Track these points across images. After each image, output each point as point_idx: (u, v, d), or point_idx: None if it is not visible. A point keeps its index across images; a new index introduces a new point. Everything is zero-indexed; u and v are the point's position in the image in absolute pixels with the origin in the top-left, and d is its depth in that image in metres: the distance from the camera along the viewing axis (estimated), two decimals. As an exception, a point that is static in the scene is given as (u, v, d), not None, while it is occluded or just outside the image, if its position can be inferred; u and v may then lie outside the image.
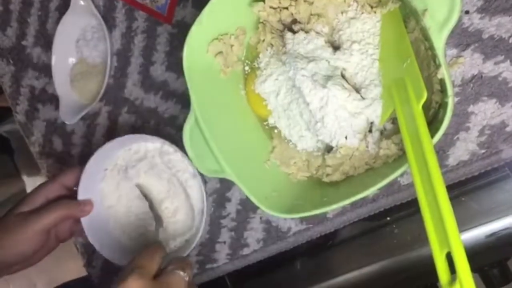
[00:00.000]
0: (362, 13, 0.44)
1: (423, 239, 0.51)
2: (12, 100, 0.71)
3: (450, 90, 0.37)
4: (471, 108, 0.44)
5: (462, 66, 0.44)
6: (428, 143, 0.35)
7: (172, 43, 0.59)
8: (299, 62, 0.44)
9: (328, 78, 0.43)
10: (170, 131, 0.59)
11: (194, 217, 0.55)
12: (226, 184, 0.56)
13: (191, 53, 0.46)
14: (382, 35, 0.43)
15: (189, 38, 0.45)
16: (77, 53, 0.65)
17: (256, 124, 0.51)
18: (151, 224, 0.57)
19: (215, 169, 0.47)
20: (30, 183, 1.23)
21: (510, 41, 0.42)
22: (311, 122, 0.45)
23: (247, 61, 0.51)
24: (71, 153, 0.67)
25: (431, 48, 0.38)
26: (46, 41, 0.68)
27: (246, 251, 0.56)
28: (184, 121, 0.47)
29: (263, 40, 0.49)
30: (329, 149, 0.48)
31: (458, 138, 0.45)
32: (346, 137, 0.44)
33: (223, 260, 0.57)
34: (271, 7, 0.47)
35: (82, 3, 0.61)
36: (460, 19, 0.43)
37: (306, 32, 0.46)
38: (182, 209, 0.55)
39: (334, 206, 0.42)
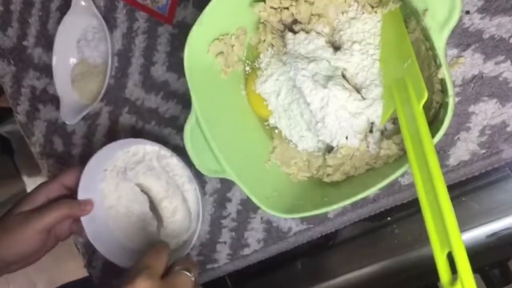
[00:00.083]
0: (363, 13, 0.44)
1: (423, 239, 0.51)
2: (13, 100, 0.71)
3: (450, 90, 0.37)
4: (471, 108, 0.44)
5: (463, 66, 0.44)
6: (429, 143, 0.35)
7: (173, 44, 0.59)
8: (300, 63, 0.44)
9: (329, 78, 0.43)
10: (171, 131, 0.59)
11: (191, 219, 0.55)
12: (226, 184, 0.56)
13: (192, 54, 0.46)
14: (383, 35, 0.43)
15: (190, 38, 0.45)
16: (78, 53, 0.65)
17: (256, 124, 0.51)
18: (151, 224, 0.57)
19: (216, 169, 0.47)
20: (31, 183, 1.23)
21: (510, 41, 0.42)
22: (311, 122, 0.45)
23: (247, 61, 0.51)
24: (72, 153, 0.67)
25: (431, 48, 0.38)
26: (47, 41, 0.68)
27: (246, 251, 0.56)
28: (185, 121, 0.47)
29: (264, 40, 0.49)
30: (329, 149, 0.48)
31: (458, 138, 0.45)
32: (346, 137, 0.44)
33: (223, 260, 0.57)
34: (271, 7, 0.47)
35: (83, 3, 0.61)
36: (460, 19, 0.43)
37: (307, 32, 0.46)
38: (180, 210, 0.55)
39: (335, 206, 0.42)
